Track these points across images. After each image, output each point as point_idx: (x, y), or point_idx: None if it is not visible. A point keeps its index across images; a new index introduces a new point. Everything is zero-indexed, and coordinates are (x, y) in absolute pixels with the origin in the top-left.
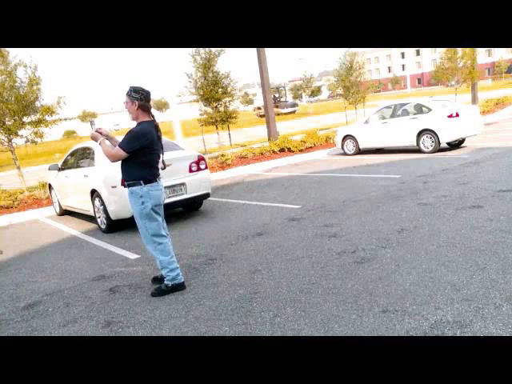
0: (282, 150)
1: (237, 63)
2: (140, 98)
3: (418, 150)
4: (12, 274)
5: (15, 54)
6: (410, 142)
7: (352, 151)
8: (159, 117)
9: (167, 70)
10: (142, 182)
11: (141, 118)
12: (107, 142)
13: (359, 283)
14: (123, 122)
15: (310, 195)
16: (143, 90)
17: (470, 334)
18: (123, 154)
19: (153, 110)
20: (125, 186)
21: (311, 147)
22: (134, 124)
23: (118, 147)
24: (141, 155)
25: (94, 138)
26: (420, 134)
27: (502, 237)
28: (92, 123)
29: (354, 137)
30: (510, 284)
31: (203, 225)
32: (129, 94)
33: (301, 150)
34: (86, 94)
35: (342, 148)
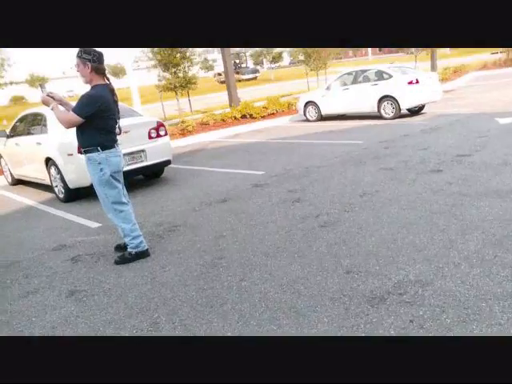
0: (243, 117)
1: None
2: (92, 60)
3: (380, 117)
4: None
5: None
6: (372, 108)
7: (314, 118)
8: (116, 83)
9: None
10: (99, 148)
11: (95, 82)
12: (61, 108)
13: (323, 246)
14: (77, 87)
15: (273, 161)
16: (95, 50)
17: (430, 292)
18: (78, 119)
19: (109, 76)
20: (81, 153)
21: (273, 114)
22: (88, 88)
23: (71, 112)
24: (97, 120)
25: (46, 103)
26: (381, 100)
27: (460, 199)
28: (42, 87)
29: (315, 103)
30: (468, 244)
31: (166, 192)
32: (79, 56)
33: (263, 117)
34: (34, 56)
35: (305, 114)
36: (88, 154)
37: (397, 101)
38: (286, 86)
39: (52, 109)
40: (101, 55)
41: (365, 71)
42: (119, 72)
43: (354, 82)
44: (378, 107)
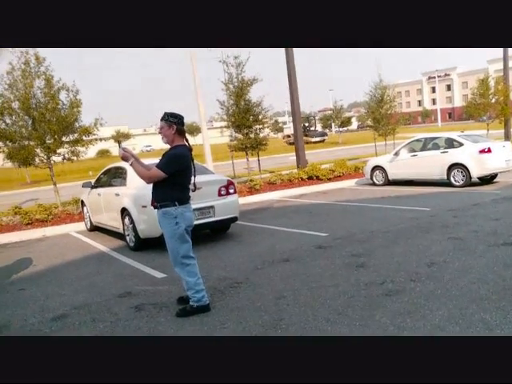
0: (310, 178)
1: (268, 91)
2: (177, 123)
3: (449, 184)
4: (43, 286)
5: (58, 78)
6: (441, 175)
7: (381, 182)
8: (190, 140)
9: (199, 96)
10: (176, 202)
11: (176, 142)
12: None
13: (387, 316)
14: (155, 143)
15: (337, 224)
16: (179, 114)
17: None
18: (162, 175)
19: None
20: (155, 207)
21: (339, 176)
22: (165, 146)
23: (156, 169)
24: (176, 177)
25: (125, 159)
26: (451, 168)
27: None
28: (120, 143)
29: (383, 168)
30: None
31: (230, 248)
32: (166, 119)
33: (329, 179)
34: (120, 115)
35: (371, 178)
36: (164, 209)
37: (467, 169)
38: (354, 149)
39: (131, 164)
40: (183, 118)
41: (434, 138)
42: (194, 130)
43: (423, 148)
44: (448, 175)
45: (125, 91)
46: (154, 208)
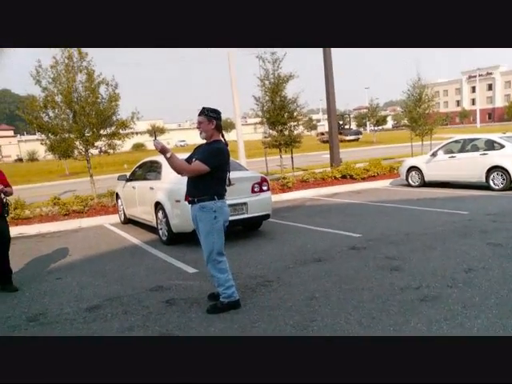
0: (343, 177)
1: (303, 87)
2: (216, 118)
3: (487, 187)
4: (78, 276)
5: (99, 72)
6: (479, 178)
7: (417, 183)
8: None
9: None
10: (215, 197)
11: (214, 137)
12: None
13: (422, 322)
14: (189, 139)
15: (371, 224)
16: (218, 110)
17: None
18: (205, 168)
19: None
20: (191, 202)
21: (374, 176)
22: (199, 141)
23: (198, 162)
24: (216, 171)
25: (164, 151)
26: (490, 170)
27: None
28: (155, 135)
29: (419, 168)
30: None
31: (261, 245)
32: (206, 114)
33: (363, 178)
34: (156, 109)
35: (407, 179)
36: (202, 203)
37: (508, 172)
38: (388, 149)
39: (170, 157)
40: (220, 114)
41: (473, 140)
42: (228, 126)
43: (462, 150)
44: (487, 178)
45: (161, 86)
46: (189, 203)
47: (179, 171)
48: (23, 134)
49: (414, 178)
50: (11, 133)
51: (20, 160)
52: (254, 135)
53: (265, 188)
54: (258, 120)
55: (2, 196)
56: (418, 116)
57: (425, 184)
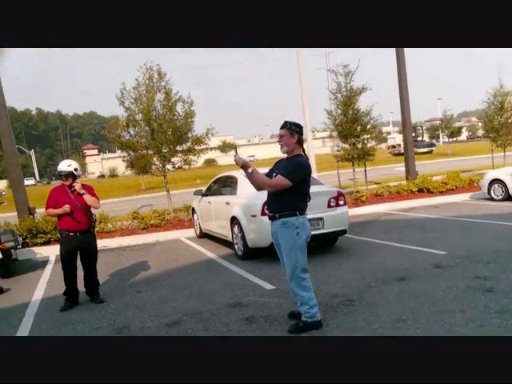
0: (420, 190)
1: (374, 99)
2: (298, 132)
3: None
4: (158, 290)
5: (176, 91)
6: None
7: (500, 197)
8: None
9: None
10: (297, 212)
11: (296, 151)
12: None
13: None
14: (258, 154)
15: (454, 241)
16: (300, 124)
17: None
18: (288, 183)
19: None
20: (271, 218)
21: (452, 189)
22: (268, 155)
23: (281, 177)
24: (300, 186)
25: (245, 166)
26: None
27: None
28: (236, 151)
29: (503, 181)
30: None
31: (339, 262)
32: (288, 127)
33: (441, 192)
34: (226, 126)
35: (489, 192)
36: (284, 219)
37: None
38: (464, 161)
39: (251, 172)
40: (302, 128)
41: None
42: None
43: None
44: None
45: (230, 102)
46: (270, 219)
47: (261, 186)
48: (105, 152)
49: (497, 192)
50: (96, 151)
51: (102, 176)
52: (323, 149)
53: (341, 202)
54: (326, 134)
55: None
56: (500, 126)
57: (509, 197)
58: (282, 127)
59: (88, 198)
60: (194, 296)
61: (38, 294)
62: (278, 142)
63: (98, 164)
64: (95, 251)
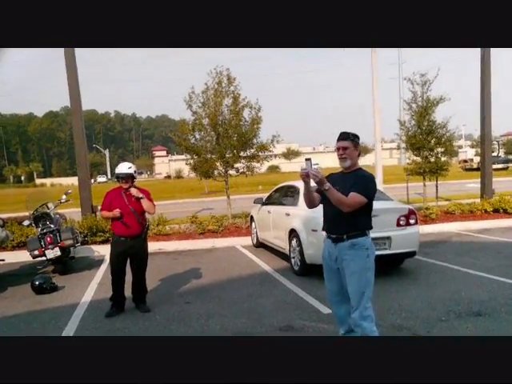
0: (495, 211)
1: (454, 112)
2: (359, 144)
3: None
4: (206, 302)
5: (244, 96)
6: None
7: None
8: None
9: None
10: (367, 232)
11: (357, 165)
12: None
13: None
14: (323, 162)
15: None
16: (358, 135)
17: None
18: (365, 201)
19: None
20: (336, 240)
21: None
22: (331, 165)
23: (357, 194)
24: (370, 203)
25: (321, 182)
26: None
27: None
28: (311, 163)
29: None
30: None
31: (404, 287)
32: (352, 139)
33: None
34: (291, 132)
35: None
36: (354, 239)
37: None
38: None
39: (328, 189)
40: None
41: None
42: (362, 151)
43: None
44: None
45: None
46: (335, 241)
47: (339, 205)
48: (174, 154)
49: None
50: (164, 153)
51: (168, 177)
52: (390, 160)
53: (412, 221)
54: (393, 145)
55: (133, 193)
56: None
57: None
58: (345, 139)
59: (145, 203)
60: (242, 313)
61: (89, 294)
62: (341, 154)
63: (166, 165)
64: (145, 258)
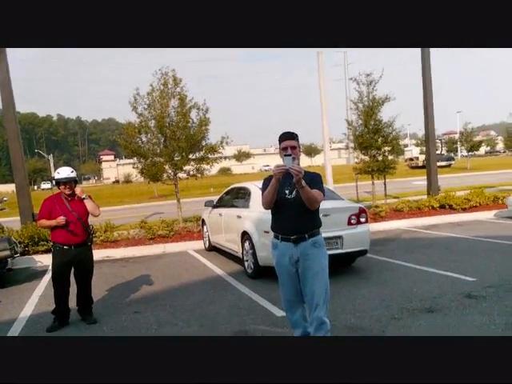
0: (441, 207)
1: (400, 111)
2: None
3: None
4: (157, 311)
5: (191, 97)
6: None
7: None
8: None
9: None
10: (320, 229)
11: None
12: None
13: None
14: (273, 163)
15: (484, 265)
16: None
17: None
18: (322, 198)
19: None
20: (297, 240)
21: (475, 206)
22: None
23: (319, 191)
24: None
25: (300, 180)
26: None
27: None
28: (289, 158)
29: None
30: None
31: (357, 286)
32: (297, 139)
33: (464, 209)
34: (242, 134)
35: None
36: (315, 238)
37: None
38: (485, 176)
39: (304, 186)
40: None
41: None
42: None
43: None
44: None
45: (245, 109)
46: (295, 241)
47: (311, 203)
48: (122, 158)
49: None
50: (112, 157)
51: (117, 182)
52: (338, 160)
53: (363, 220)
54: (341, 145)
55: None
56: None
57: None
58: (291, 138)
59: (89, 204)
60: (195, 320)
61: (28, 309)
62: (288, 155)
63: (114, 170)
64: (91, 266)
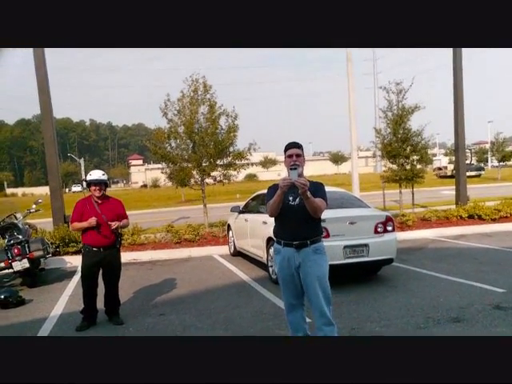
0: (470, 217)
1: (430, 120)
2: None
3: None
4: (182, 314)
5: (221, 103)
6: None
7: None
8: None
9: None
10: (322, 237)
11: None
12: None
13: None
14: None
15: None
16: None
17: None
18: (325, 207)
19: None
20: (300, 246)
21: (506, 217)
22: (310, 173)
23: (323, 200)
24: None
25: (304, 193)
26: None
27: None
28: (296, 171)
29: None
30: None
31: (382, 294)
32: (302, 148)
33: (493, 219)
34: (268, 142)
35: None
36: (315, 245)
37: None
38: None
39: (310, 197)
40: None
41: None
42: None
43: None
44: None
45: (274, 118)
46: (298, 247)
47: (316, 211)
48: (150, 163)
49: None
50: (140, 162)
51: (145, 186)
52: (366, 168)
53: (390, 228)
54: (369, 153)
55: (114, 227)
56: None
57: None
58: (297, 146)
59: (124, 224)
60: (219, 325)
61: (58, 308)
62: (294, 161)
63: (142, 174)
64: (119, 268)
